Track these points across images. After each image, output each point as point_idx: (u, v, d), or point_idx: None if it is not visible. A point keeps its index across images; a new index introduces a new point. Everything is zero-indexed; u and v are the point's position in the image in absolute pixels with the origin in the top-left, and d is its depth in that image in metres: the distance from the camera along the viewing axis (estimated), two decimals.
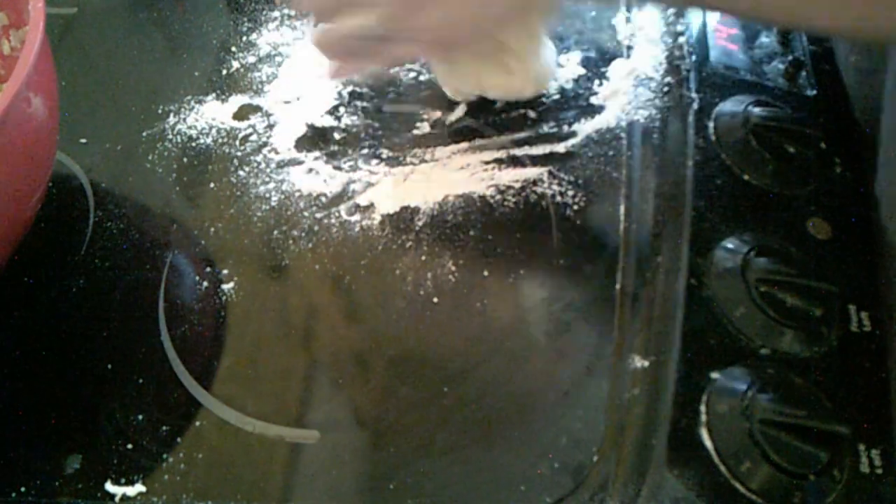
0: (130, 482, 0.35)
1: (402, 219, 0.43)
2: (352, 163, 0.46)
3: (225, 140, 0.48)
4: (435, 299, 0.40)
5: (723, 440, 0.33)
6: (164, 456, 0.36)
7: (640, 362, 0.36)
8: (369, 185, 0.44)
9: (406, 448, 0.35)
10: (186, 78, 0.51)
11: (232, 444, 0.36)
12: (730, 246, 0.39)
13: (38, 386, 0.39)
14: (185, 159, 0.47)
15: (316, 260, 0.42)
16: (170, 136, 0.48)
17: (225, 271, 0.42)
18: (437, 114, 0.47)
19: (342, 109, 0.48)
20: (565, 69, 0.48)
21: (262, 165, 0.46)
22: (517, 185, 0.43)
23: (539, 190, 0.43)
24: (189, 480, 0.35)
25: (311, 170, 0.46)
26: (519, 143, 0.45)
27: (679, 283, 0.38)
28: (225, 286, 0.41)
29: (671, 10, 0.51)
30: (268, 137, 0.47)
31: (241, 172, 0.46)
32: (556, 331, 0.38)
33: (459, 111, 0.47)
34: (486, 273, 0.40)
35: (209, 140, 0.48)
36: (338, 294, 0.41)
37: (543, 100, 0.47)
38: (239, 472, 0.35)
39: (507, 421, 0.36)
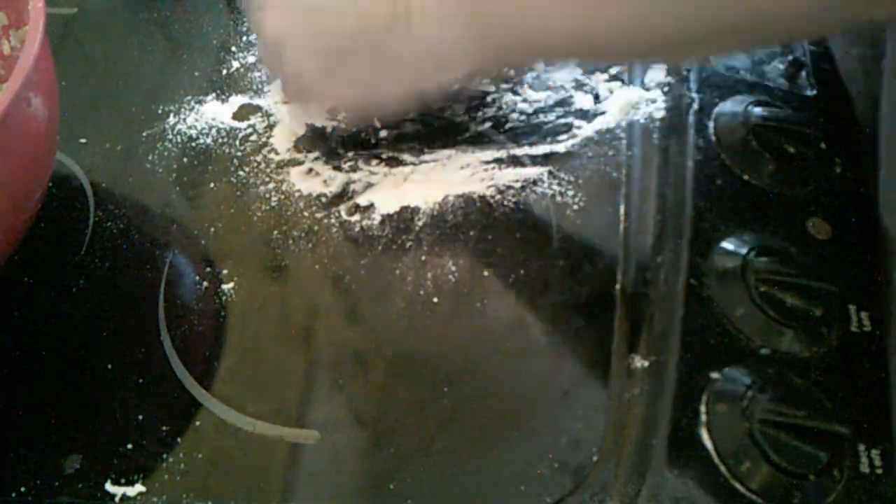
0: (130, 482, 0.35)
1: (402, 219, 0.43)
2: (352, 163, 0.46)
3: (225, 140, 0.48)
4: (435, 299, 0.40)
5: (723, 440, 0.33)
6: (164, 456, 0.36)
7: (640, 362, 0.36)
8: (369, 185, 0.44)
9: (406, 448, 0.35)
10: (186, 78, 0.51)
11: (232, 444, 0.36)
12: (730, 246, 0.39)
13: (38, 386, 0.39)
14: (185, 159, 0.47)
15: (316, 260, 0.42)
16: (170, 136, 0.48)
17: (225, 271, 0.42)
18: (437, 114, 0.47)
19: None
20: (565, 69, 0.48)
21: (262, 166, 0.46)
22: (517, 185, 0.43)
23: (539, 190, 0.43)
24: (189, 480, 0.35)
25: (310, 170, 0.46)
26: (519, 143, 0.45)
27: (679, 283, 0.38)
28: (225, 286, 0.41)
29: None
30: (268, 137, 0.47)
31: (241, 173, 0.46)
32: (556, 331, 0.38)
33: (459, 111, 0.47)
34: (486, 273, 0.41)
35: (209, 140, 0.48)
36: (338, 294, 0.41)
37: (544, 99, 0.47)
38: (239, 472, 0.35)
39: (507, 421, 0.36)
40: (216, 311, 0.40)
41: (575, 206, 0.42)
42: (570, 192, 0.43)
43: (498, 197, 0.43)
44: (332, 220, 0.43)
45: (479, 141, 0.46)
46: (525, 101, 0.47)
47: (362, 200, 0.44)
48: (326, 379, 0.38)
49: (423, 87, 0.42)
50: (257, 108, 0.49)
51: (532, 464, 0.34)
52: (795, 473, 0.32)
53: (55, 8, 0.55)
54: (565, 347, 0.38)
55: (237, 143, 0.47)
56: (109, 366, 0.39)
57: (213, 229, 0.44)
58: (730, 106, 0.45)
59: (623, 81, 0.47)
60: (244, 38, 0.53)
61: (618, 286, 0.39)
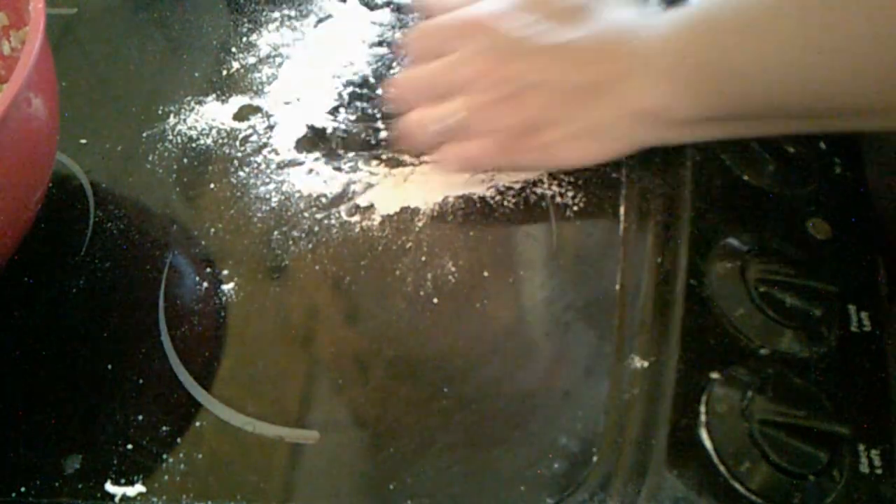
0: (130, 482, 0.35)
1: (402, 219, 0.43)
2: (352, 164, 0.46)
3: (225, 141, 0.48)
4: (435, 299, 0.40)
5: (723, 440, 0.33)
6: (164, 456, 0.36)
7: (640, 362, 0.36)
8: (369, 185, 0.44)
9: (406, 448, 0.35)
10: (186, 78, 0.51)
11: (232, 444, 0.36)
12: (730, 246, 0.39)
13: (38, 386, 0.39)
14: (185, 160, 0.47)
15: (316, 260, 0.42)
16: (170, 137, 0.48)
17: (225, 271, 0.42)
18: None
19: (342, 110, 0.48)
20: None
21: (262, 166, 0.46)
22: (517, 186, 0.44)
23: (539, 190, 0.43)
24: (189, 480, 0.35)
25: (311, 171, 0.46)
26: None
27: (679, 283, 0.38)
28: (225, 286, 0.41)
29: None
30: (268, 138, 0.47)
31: (241, 173, 0.46)
32: (556, 331, 0.38)
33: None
34: (486, 273, 0.41)
35: (209, 141, 0.48)
36: (338, 294, 0.41)
37: None
38: (239, 472, 0.35)
39: (507, 421, 0.36)
40: (216, 312, 0.40)
41: (575, 206, 0.42)
42: (570, 193, 0.43)
43: (498, 197, 0.43)
44: (333, 221, 0.43)
45: None
46: None
47: (362, 201, 0.44)
48: (326, 379, 0.38)
49: (630, 145, 0.41)
50: (257, 109, 0.49)
51: (532, 464, 0.34)
52: (795, 473, 0.32)
53: (55, 8, 0.55)
54: (565, 347, 0.38)
55: (237, 143, 0.47)
56: (109, 366, 0.39)
57: (213, 229, 0.44)
58: None
59: None
60: (244, 39, 0.54)
61: (618, 286, 0.39)
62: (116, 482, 0.35)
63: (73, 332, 0.40)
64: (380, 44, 0.52)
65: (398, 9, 0.54)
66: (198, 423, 0.37)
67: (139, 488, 0.35)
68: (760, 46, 0.34)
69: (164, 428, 0.37)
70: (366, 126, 0.47)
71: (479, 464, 0.35)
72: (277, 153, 0.47)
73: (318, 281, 0.41)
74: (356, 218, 0.43)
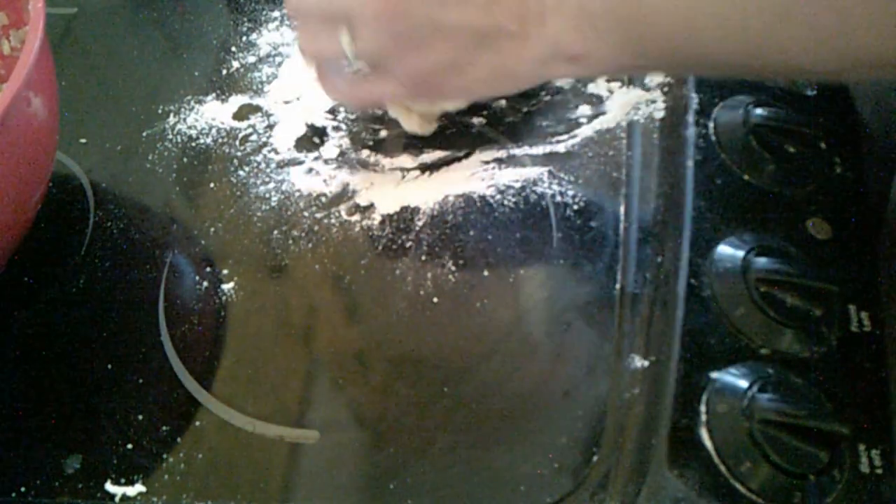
0: (130, 482, 0.35)
1: (402, 219, 0.43)
2: (352, 163, 0.46)
3: (225, 140, 0.48)
4: (435, 299, 0.40)
5: (723, 440, 0.33)
6: (164, 456, 0.36)
7: (640, 362, 0.36)
8: (369, 185, 0.44)
9: (406, 448, 0.35)
10: (186, 78, 0.51)
11: (232, 444, 0.36)
12: (730, 246, 0.39)
13: (38, 386, 0.39)
14: (185, 159, 0.47)
15: (316, 260, 0.42)
16: (170, 136, 0.48)
17: (225, 271, 0.42)
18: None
19: (342, 109, 0.48)
20: None
21: (262, 165, 0.46)
22: (517, 185, 0.43)
23: (539, 190, 0.43)
24: (189, 480, 0.35)
25: (311, 170, 0.46)
26: (519, 143, 0.45)
27: (679, 283, 0.38)
28: (225, 286, 0.41)
29: None
30: (268, 137, 0.47)
31: (241, 172, 0.46)
32: (556, 331, 0.38)
33: (460, 109, 0.47)
34: (486, 273, 0.40)
35: (209, 140, 0.48)
36: (338, 294, 0.41)
37: (544, 99, 0.47)
38: (239, 472, 0.35)
39: (507, 421, 0.36)
40: (216, 311, 0.40)
41: (575, 206, 0.42)
42: (570, 192, 0.43)
43: (498, 197, 0.43)
44: (332, 220, 0.43)
45: (479, 141, 0.46)
46: (525, 100, 0.47)
47: (362, 200, 0.44)
48: (326, 379, 0.38)
49: (542, 81, 0.41)
50: (257, 108, 0.49)
51: (532, 464, 0.34)
52: (795, 473, 0.32)
53: (55, 8, 0.55)
54: (565, 347, 0.38)
55: (237, 142, 0.47)
56: (109, 366, 0.39)
57: (213, 229, 0.44)
58: (730, 106, 0.45)
59: (623, 82, 0.47)
60: (244, 38, 0.53)
61: (618, 286, 0.39)
62: (116, 482, 0.35)
63: (73, 332, 0.40)
64: None
65: None
66: (198, 423, 0.37)
67: (139, 488, 0.35)
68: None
69: (164, 428, 0.37)
70: (365, 125, 0.47)
71: (479, 464, 0.35)
72: (277, 152, 0.47)
73: (318, 280, 0.41)
74: (356, 217, 0.43)
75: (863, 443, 0.34)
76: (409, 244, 0.42)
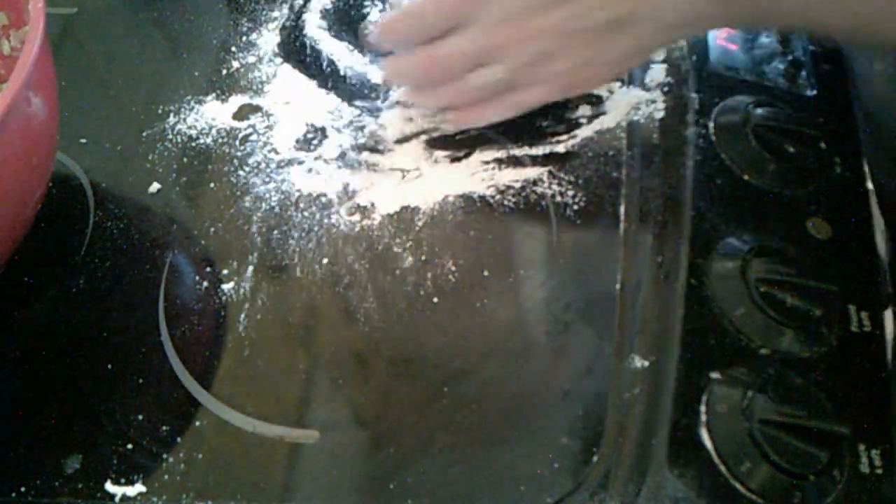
0: (130, 482, 0.35)
1: (402, 219, 0.43)
2: (352, 163, 0.46)
3: (225, 140, 0.48)
4: (435, 299, 0.40)
5: (723, 440, 0.33)
6: (164, 456, 0.36)
7: (640, 362, 0.36)
8: (369, 185, 0.44)
9: (406, 448, 0.35)
10: (186, 78, 0.51)
11: (232, 444, 0.36)
12: (730, 246, 0.39)
13: (38, 386, 0.39)
14: (185, 159, 0.47)
15: (316, 260, 0.42)
16: (170, 136, 0.48)
17: (225, 271, 0.42)
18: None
19: (342, 109, 0.48)
20: None
21: (263, 165, 0.46)
22: (517, 185, 0.43)
23: (539, 190, 0.43)
24: (189, 480, 0.35)
25: (311, 170, 0.46)
26: (519, 143, 0.45)
27: (679, 283, 0.38)
28: (225, 286, 0.41)
29: None
30: (268, 137, 0.47)
31: (241, 172, 0.46)
32: (556, 331, 0.38)
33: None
34: (486, 273, 0.41)
35: (209, 140, 0.48)
36: (338, 294, 0.41)
37: None
38: (239, 472, 0.35)
39: (507, 421, 0.36)
40: (216, 311, 0.40)
41: (575, 206, 0.42)
42: (570, 192, 0.43)
43: (498, 197, 0.43)
44: (332, 220, 0.43)
45: (479, 141, 0.46)
46: None
47: (362, 200, 0.44)
48: (326, 379, 0.38)
49: (654, 51, 0.45)
50: (257, 108, 0.49)
51: (532, 464, 0.34)
52: (795, 473, 0.32)
53: (55, 8, 0.55)
54: (565, 347, 0.38)
55: (237, 142, 0.47)
56: (109, 366, 0.39)
57: (213, 229, 0.44)
58: (730, 106, 0.45)
59: (623, 81, 0.47)
60: (244, 38, 0.53)
61: (618, 286, 0.39)
62: (116, 482, 0.35)
63: (73, 332, 0.40)
64: None
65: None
66: (198, 423, 0.37)
67: (139, 488, 0.35)
68: None
69: (164, 428, 0.37)
70: (366, 125, 0.47)
71: (479, 464, 0.35)
72: (277, 152, 0.47)
73: (318, 280, 0.41)
74: (356, 217, 0.43)
75: (863, 443, 0.34)
76: (409, 244, 0.42)
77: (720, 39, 0.49)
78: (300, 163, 0.46)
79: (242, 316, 0.40)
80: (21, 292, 0.42)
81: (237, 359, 0.39)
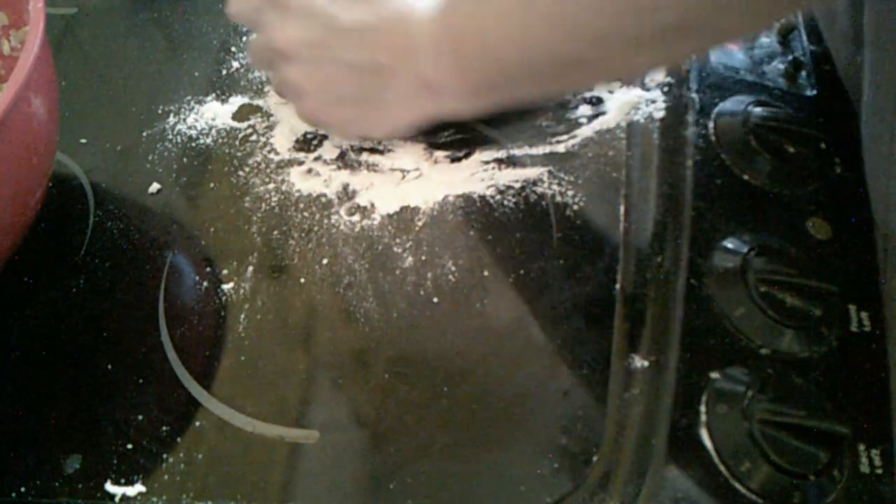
0: (130, 482, 0.35)
1: (402, 219, 0.43)
2: (352, 163, 0.46)
3: (225, 140, 0.48)
4: (435, 299, 0.40)
5: (723, 440, 0.33)
6: (164, 456, 0.36)
7: (640, 362, 0.36)
8: (369, 185, 0.44)
9: (406, 448, 0.35)
10: (186, 78, 0.51)
11: (232, 444, 0.36)
12: (730, 246, 0.39)
13: (38, 386, 0.39)
14: (185, 159, 0.47)
15: (316, 260, 0.42)
16: (170, 137, 0.48)
17: (225, 271, 0.42)
18: None
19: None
20: None
21: (263, 166, 0.46)
22: (517, 185, 0.43)
23: (539, 190, 0.43)
24: (189, 480, 0.35)
25: (310, 170, 0.46)
26: (519, 143, 0.45)
27: (679, 283, 0.38)
28: (225, 286, 0.41)
29: None
30: (268, 138, 0.47)
31: (241, 173, 0.46)
32: (556, 331, 0.38)
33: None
34: (486, 273, 0.41)
35: (209, 140, 0.48)
36: (338, 294, 0.41)
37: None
38: (239, 472, 0.35)
39: (507, 421, 0.36)
40: (216, 311, 0.40)
41: (575, 206, 0.42)
42: (570, 192, 0.43)
43: (498, 197, 0.43)
44: (332, 220, 0.43)
45: (479, 141, 0.46)
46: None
47: (362, 200, 0.44)
48: (326, 379, 0.38)
49: (421, 120, 0.44)
50: (257, 109, 0.49)
51: (532, 464, 0.34)
52: (795, 473, 0.32)
53: (55, 8, 0.55)
54: (565, 347, 0.38)
55: (237, 143, 0.47)
56: (109, 366, 0.39)
57: (213, 229, 0.44)
58: (730, 106, 0.45)
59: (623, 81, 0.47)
60: (244, 39, 0.54)
61: (618, 286, 0.39)
62: (116, 482, 0.35)
63: (73, 332, 0.40)
64: None
65: None
66: (198, 423, 0.37)
67: (139, 488, 0.35)
68: (493, 17, 0.38)
69: (164, 428, 0.37)
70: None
71: (479, 464, 0.35)
72: (277, 153, 0.47)
73: (318, 280, 0.41)
74: (356, 217, 0.43)
75: (863, 443, 0.34)
76: (409, 244, 0.42)
77: None
78: (300, 163, 0.46)
79: (242, 316, 0.40)
80: (21, 292, 0.42)
81: (237, 359, 0.39)
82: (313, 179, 0.45)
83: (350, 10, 0.41)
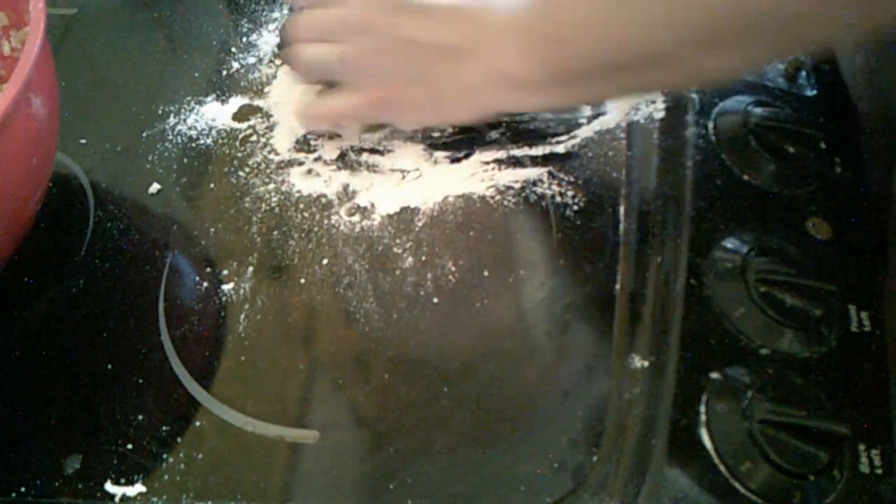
0: (130, 482, 0.35)
1: (402, 219, 0.43)
2: (352, 163, 0.46)
3: (225, 141, 0.48)
4: (435, 299, 0.40)
5: (723, 440, 0.33)
6: (164, 456, 0.36)
7: (640, 362, 0.36)
8: (369, 185, 0.44)
9: (406, 448, 0.35)
10: (186, 78, 0.51)
11: (232, 444, 0.36)
12: (730, 246, 0.39)
13: (38, 386, 0.39)
14: (185, 160, 0.47)
15: (316, 260, 0.42)
16: (170, 137, 0.48)
17: (225, 271, 0.42)
18: None
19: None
20: None
21: (263, 166, 0.46)
22: (517, 186, 0.44)
23: (539, 190, 0.43)
24: (189, 480, 0.35)
25: (310, 171, 0.46)
26: (519, 143, 0.45)
27: (679, 283, 0.38)
28: (225, 286, 0.41)
29: None
30: (268, 138, 0.47)
31: (241, 173, 0.46)
32: (556, 331, 0.38)
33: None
34: (486, 273, 0.41)
35: (209, 141, 0.48)
36: (338, 294, 0.41)
37: None
38: (239, 472, 0.35)
39: (507, 421, 0.36)
40: (216, 311, 0.40)
41: (575, 206, 0.42)
42: (570, 193, 0.43)
43: (498, 197, 0.43)
44: (332, 221, 0.43)
45: (479, 141, 0.46)
46: None
47: (362, 201, 0.44)
48: (326, 379, 0.38)
49: (491, 110, 0.44)
50: (257, 109, 0.49)
51: (532, 464, 0.34)
52: (795, 473, 0.32)
53: (55, 8, 0.55)
54: (565, 347, 0.38)
55: (237, 143, 0.47)
56: (109, 366, 0.39)
57: (213, 229, 0.44)
58: (730, 106, 0.45)
59: None
60: (244, 39, 0.54)
61: (618, 286, 0.39)
62: (116, 482, 0.35)
63: (73, 332, 0.40)
64: None
65: None
66: (198, 423, 0.37)
67: (139, 488, 0.35)
68: (585, 9, 0.38)
69: (164, 428, 0.37)
70: (365, 125, 0.47)
71: (479, 464, 0.35)
72: (277, 153, 0.47)
73: (318, 281, 0.41)
74: (356, 218, 0.43)
75: (863, 443, 0.34)
76: (409, 244, 0.42)
77: None
78: (300, 164, 0.46)
79: (242, 316, 0.40)
80: (21, 292, 0.42)
81: (237, 359, 0.39)
82: (313, 180, 0.45)
83: None
